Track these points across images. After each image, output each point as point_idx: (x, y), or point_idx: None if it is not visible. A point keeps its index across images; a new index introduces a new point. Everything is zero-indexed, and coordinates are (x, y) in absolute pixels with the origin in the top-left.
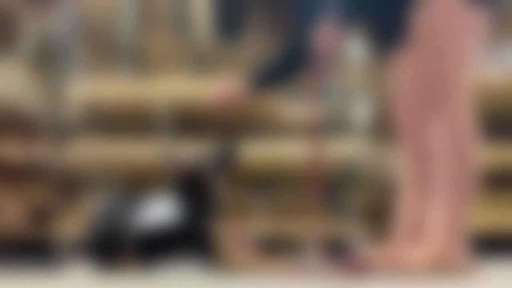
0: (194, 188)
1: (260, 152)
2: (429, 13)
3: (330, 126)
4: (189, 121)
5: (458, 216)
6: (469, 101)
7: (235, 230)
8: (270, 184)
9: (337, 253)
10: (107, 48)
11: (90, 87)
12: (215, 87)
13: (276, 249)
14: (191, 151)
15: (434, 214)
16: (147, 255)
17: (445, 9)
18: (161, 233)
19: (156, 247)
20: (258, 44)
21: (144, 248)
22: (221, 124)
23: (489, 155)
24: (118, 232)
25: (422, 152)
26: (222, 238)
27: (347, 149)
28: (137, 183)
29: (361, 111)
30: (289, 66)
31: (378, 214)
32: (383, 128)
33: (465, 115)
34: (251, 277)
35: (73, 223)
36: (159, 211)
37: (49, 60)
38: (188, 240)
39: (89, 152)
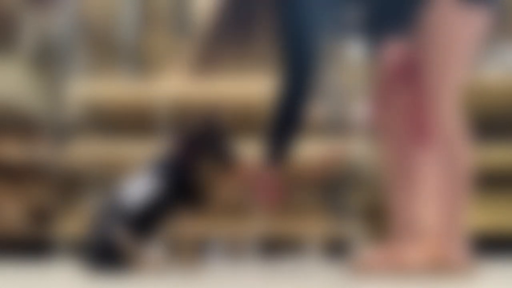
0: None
1: (260, 152)
2: (430, 12)
3: (330, 126)
4: (189, 121)
5: (452, 215)
6: (459, 101)
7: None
8: None
9: (337, 253)
10: (107, 48)
11: (90, 87)
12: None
13: (276, 249)
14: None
15: (427, 214)
16: (142, 230)
17: (445, 8)
18: (149, 204)
19: (148, 220)
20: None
21: (138, 224)
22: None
23: (490, 155)
24: (113, 225)
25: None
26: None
27: (347, 149)
28: None
29: (361, 111)
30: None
31: (378, 214)
32: None
33: (454, 114)
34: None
35: (73, 223)
36: (139, 188)
37: (49, 60)
38: (178, 197)
39: (89, 152)
